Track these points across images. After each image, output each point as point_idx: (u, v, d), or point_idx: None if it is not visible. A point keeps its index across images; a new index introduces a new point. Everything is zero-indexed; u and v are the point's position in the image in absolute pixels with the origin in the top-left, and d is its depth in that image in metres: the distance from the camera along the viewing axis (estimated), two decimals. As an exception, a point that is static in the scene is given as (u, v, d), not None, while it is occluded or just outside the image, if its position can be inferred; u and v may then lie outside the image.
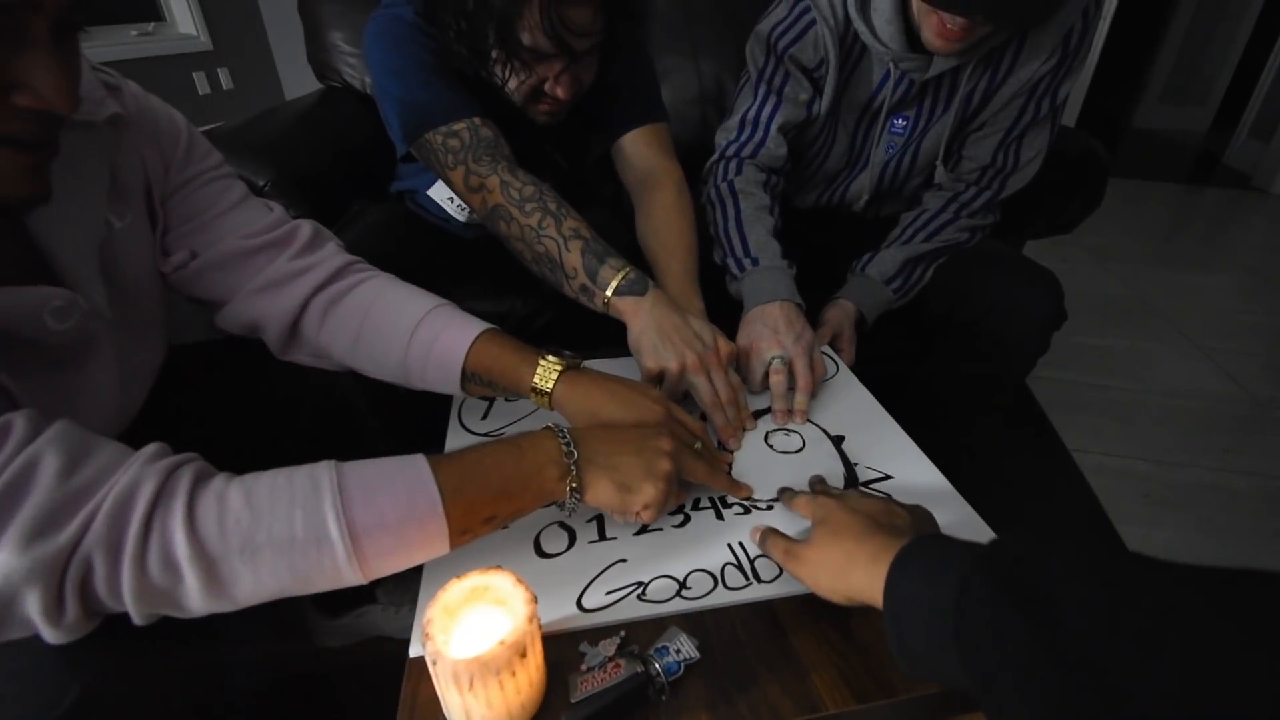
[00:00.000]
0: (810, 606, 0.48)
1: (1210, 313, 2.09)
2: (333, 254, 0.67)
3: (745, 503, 0.60)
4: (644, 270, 0.76)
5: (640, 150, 0.94)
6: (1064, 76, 0.89)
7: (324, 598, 0.86)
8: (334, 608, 0.86)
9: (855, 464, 0.65)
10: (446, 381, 0.62)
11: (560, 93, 0.82)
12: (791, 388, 0.74)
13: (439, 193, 1.00)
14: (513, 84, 0.82)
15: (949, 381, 1.00)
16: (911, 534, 0.44)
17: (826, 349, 0.88)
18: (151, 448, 0.41)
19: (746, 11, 1.22)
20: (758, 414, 0.73)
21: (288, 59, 3.40)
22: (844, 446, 0.68)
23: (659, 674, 0.43)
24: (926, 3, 0.76)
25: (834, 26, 0.87)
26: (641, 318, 0.70)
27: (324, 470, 0.42)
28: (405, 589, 0.88)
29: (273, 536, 0.39)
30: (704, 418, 0.69)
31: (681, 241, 0.85)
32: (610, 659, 0.44)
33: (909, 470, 0.64)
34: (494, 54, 0.79)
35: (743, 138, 0.96)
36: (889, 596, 0.39)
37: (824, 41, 0.88)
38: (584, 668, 0.44)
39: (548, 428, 0.52)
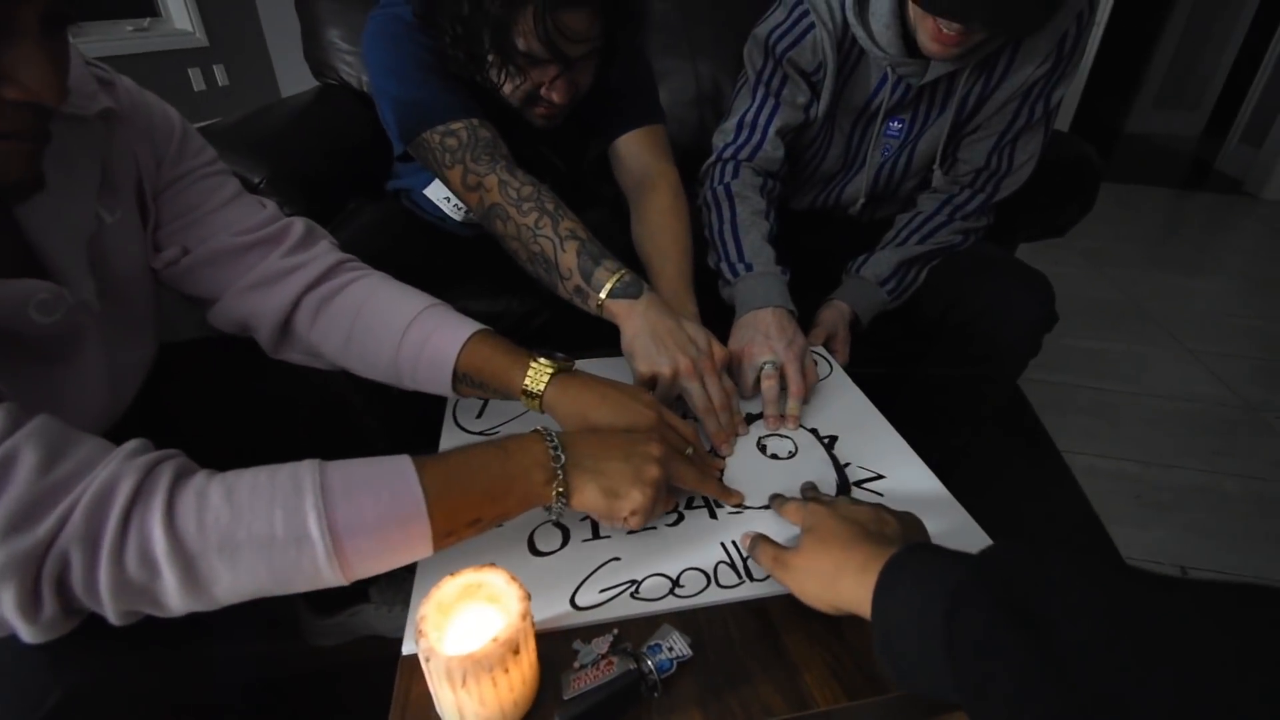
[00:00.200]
0: (802, 605, 0.48)
1: (1201, 316, 2.11)
2: (325, 252, 0.66)
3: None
4: (639, 273, 0.76)
5: (636, 152, 0.94)
6: (1058, 81, 0.90)
7: (317, 597, 0.86)
8: (327, 607, 0.86)
9: (847, 464, 0.66)
10: (437, 382, 0.62)
11: (556, 98, 0.82)
12: (784, 392, 0.74)
13: (435, 192, 1.00)
14: (508, 88, 0.82)
15: (941, 383, 1.00)
16: (900, 543, 0.44)
17: (821, 349, 0.88)
18: (132, 443, 0.41)
19: (744, 14, 1.23)
20: (750, 419, 0.72)
21: (284, 56, 3.38)
22: (837, 446, 0.68)
23: (651, 671, 0.43)
24: (923, 9, 0.76)
25: (832, 30, 0.88)
26: (635, 321, 0.70)
27: (306, 469, 0.42)
28: (398, 588, 0.88)
29: (252, 535, 0.39)
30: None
31: (676, 245, 0.85)
32: (603, 656, 0.44)
33: (901, 470, 0.65)
34: (490, 58, 0.79)
35: (740, 140, 0.96)
36: (877, 607, 0.39)
37: (822, 45, 0.89)
38: (577, 665, 0.44)
39: (536, 431, 0.51)
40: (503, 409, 0.72)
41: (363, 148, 1.17)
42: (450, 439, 0.69)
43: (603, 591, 0.50)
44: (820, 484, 0.61)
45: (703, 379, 0.68)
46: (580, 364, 0.64)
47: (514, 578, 0.41)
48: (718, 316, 0.82)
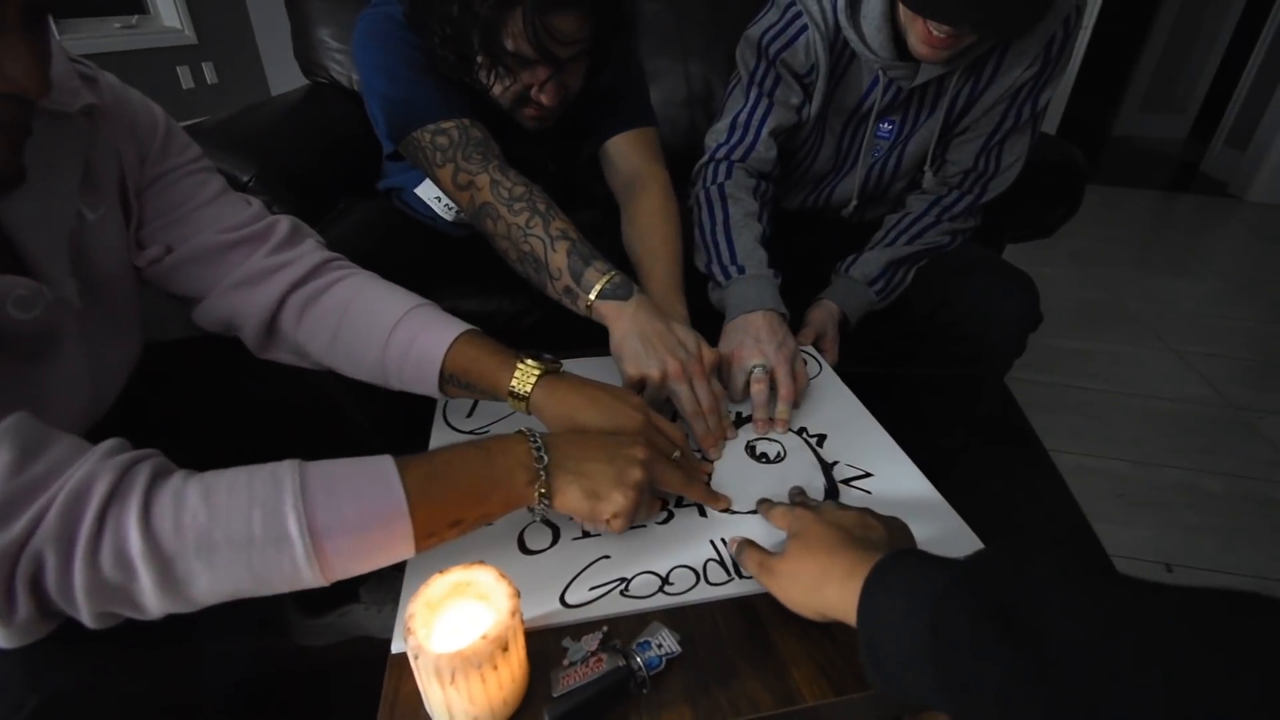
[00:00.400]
0: (790, 603, 0.49)
1: (1186, 317, 2.13)
2: (311, 250, 0.66)
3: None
4: (630, 275, 0.77)
5: (627, 154, 0.94)
6: (1045, 84, 0.91)
7: (305, 597, 0.85)
8: (315, 607, 0.85)
9: (835, 462, 0.66)
10: (424, 383, 0.61)
11: (546, 100, 0.82)
12: (774, 395, 0.73)
13: (426, 191, 1.00)
14: (498, 90, 0.82)
15: (929, 382, 1.01)
16: (886, 548, 0.44)
17: (810, 349, 0.89)
18: (109, 443, 0.40)
19: (736, 15, 1.23)
20: (739, 422, 0.72)
21: (273, 54, 3.37)
22: (825, 445, 0.69)
23: (640, 668, 0.43)
24: (914, 10, 0.76)
25: (825, 32, 0.88)
26: (624, 323, 0.70)
27: (286, 468, 0.42)
28: (388, 588, 0.87)
29: (230, 535, 0.38)
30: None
31: (666, 247, 0.85)
32: (592, 654, 0.44)
33: (889, 469, 0.65)
34: (479, 60, 0.79)
35: (733, 140, 0.96)
36: (862, 613, 0.39)
37: (815, 47, 0.89)
38: (566, 663, 0.44)
39: (519, 432, 0.51)
40: (493, 408, 0.72)
41: (353, 147, 1.17)
42: (440, 438, 0.69)
43: (592, 589, 0.50)
44: (808, 489, 0.61)
45: (691, 382, 0.67)
46: (569, 364, 0.64)
47: (503, 575, 0.41)
48: (708, 319, 0.82)
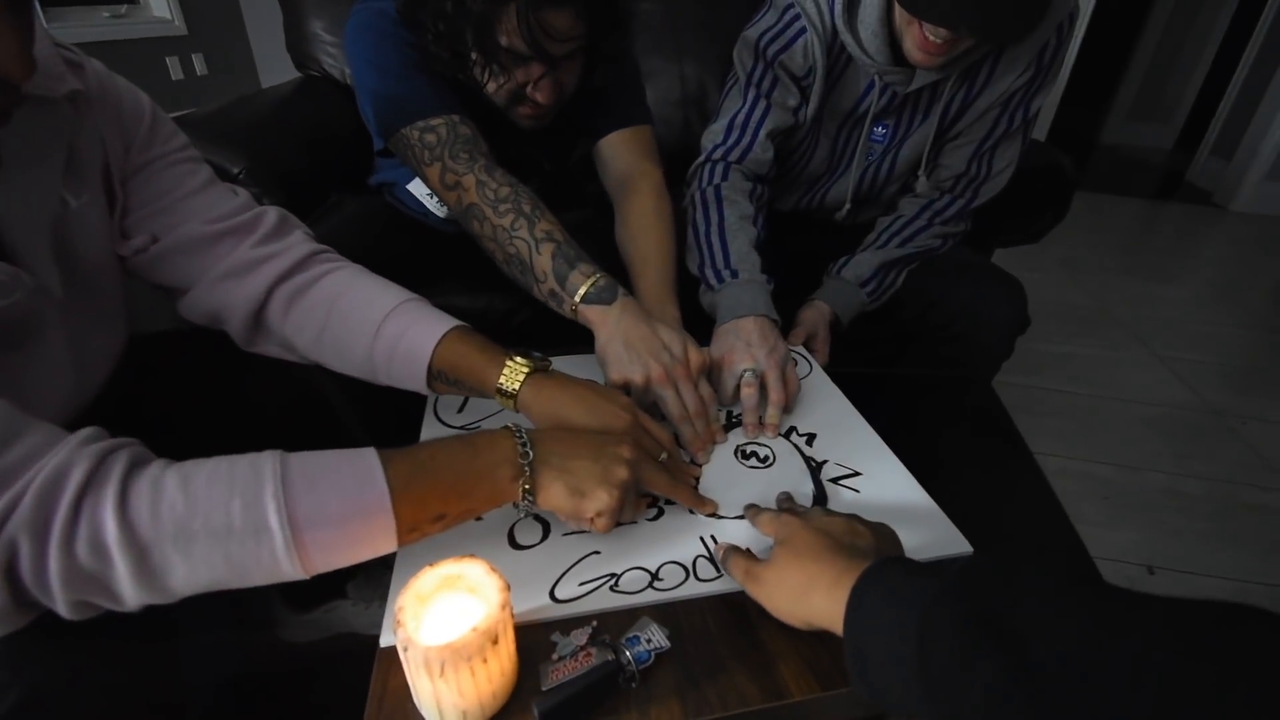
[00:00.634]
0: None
1: (1170, 323, 2.16)
2: (299, 242, 0.65)
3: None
4: (621, 276, 0.76)
5: (620, 153, 0.93)
6: (1037, 90, 0.92)
7: (292, 592, 0.85)
8: (302, 603, 0.85)
9: (825, 461, 0.67)
10: (412, 379, 0.61)
11: (541, 98, 0.82)
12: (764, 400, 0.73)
13: (418, 188, 0.99)
14: (492, 87, 0.81)
15: (917, 383, 1.02)
16: (873, 555, 0.44)
17: (800, 349, 0.89)
18: (86, 431, 0.39)
19: (731, 15, 1.24)
20: (728, 426, 0.72)
21: (264, 46, 3.34)
22: (815, 444, 0.69)
23: (630, 662, 0.43)
24: (912, 14, 0.76)
25: (823, 35, 0.88)
26: (608, 327, 0.69)
27: (268, 458, 0.41)
28: (375, 584, 0.87)
29: (208, 524, 0.38)
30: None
31: (659, 247, 0.84)
32: (582, 648, 0.44)
33: (878, 468, 0.66)
34: (473, 57, 0.78)
35: (730, 141, 0.96)
36: (849, 624, 0.38)
37: (813, 50, 0.89)
38: (555, 657, 0.44)
39: (506, 427, 0.51)
40: (484, 404, 0.72)
41: (345, 141, 1.16)
42: (431, 433, 0.69)
43: (582, 585, 0.51)
44: (796, 494, 0.61)
45: (676, 386, 0.66)
46: (559, 361, 0.64)
47: (494, 568, 0.41)
48: (702, 320, 0.82)
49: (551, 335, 0.84)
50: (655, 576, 0.52)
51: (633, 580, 0.51)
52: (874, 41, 0.85)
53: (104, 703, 0.52)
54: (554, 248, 0.72)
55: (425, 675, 0.37)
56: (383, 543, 0.43)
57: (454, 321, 0.62)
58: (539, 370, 0.61)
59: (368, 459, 0.43)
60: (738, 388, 0.73)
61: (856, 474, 0.65)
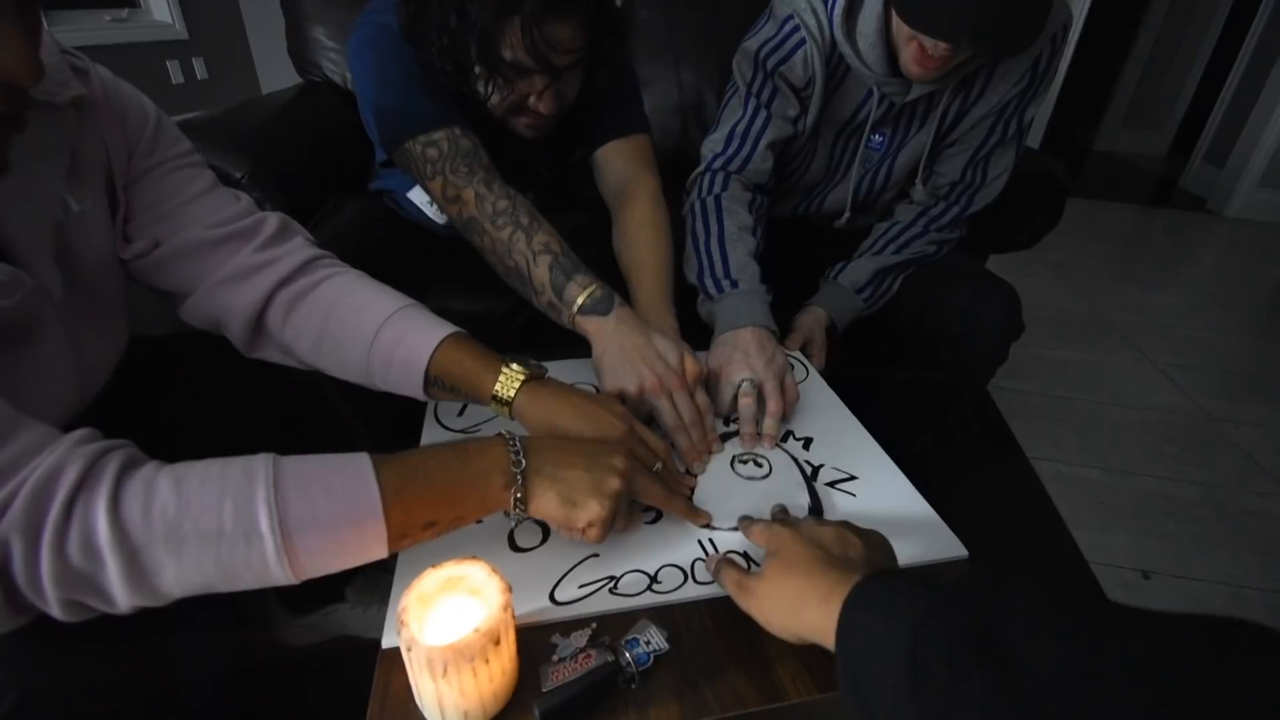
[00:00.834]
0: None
1: (1164, 329, 2.18)
2: (299, 247, 0.65)
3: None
4: (618, 281, 0.76)
5: (617, 162, 0.94)
6: (1031, 100, 0.93)
7: (290, 596, 0.85)
8: (301, 606, 0.85)
9: (821, 465, 0.67)
10: (408, 385, 0.61)
11: (543, 109, 0.82)
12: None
13: (418, 196, 1.00)
14: (495, 99, 0.82)
15: (913, 387, 1.03)
16: (865, 567, 0.43)
17: (797, 353, 0.90)
18: (80, 432, 0.39)
19: (729, 23, 1.25)
20: (726, 436, 0.71)
21: (265, 51, 3.34)
22: (812, 448, 0.70)
23: (629, 664, 0.44)
24: (913, 29, 0.77)
25: (822, 46, 0.89)
26: (604, 338, 0.69)
27: (260, 462, 0.41)
28: (374, 588, 0.87)
29: (199, 527, 0.38)
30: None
31: (655, 256, 0.84)
32: (581, 650, 0.45)
33: (874, 472, 0.66)
34: (476, 70, 0.79)
35: (730, 151, 0.96)
36: (841, 639, 0.38)
37: (812, 61, 0.89)
38: (555, 658, 0.44)
39: (499, 435, 0.50)
40: (484, 409, 0.72)
41: (345, 145, 1.17)
42: (431, 437, 0.69)
43: (581, 587, 0.51)
44: (791, 507, 0.60)
45: (671, 396, 0.66)
46: (558, 365, 0.64)
47: (495, 570, 0.42)
48: (700, 329, 0.82)
49: (550, 338, 0.85)
50: (654, 579, 0.52)
51: (632, 583, 0.52)
52: (872, 53, 0.85)
53: (103, 704, 0.53)
54: (551, 259, 0.73)
55: (428, 675, 0.38)
56: (374, 549, 0.43)
57: (451, 328, 0.62)
58: (535, 378, 0.60)
59: (360, 464, 0.43)
60: (735, 398, 0.73)
61: (853, 478, 0.65)
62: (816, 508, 0.61)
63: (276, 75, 3.36)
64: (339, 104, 1.29)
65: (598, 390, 0.73)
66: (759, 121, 0.95)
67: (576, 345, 0.81)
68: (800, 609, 0.41)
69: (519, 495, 0.48)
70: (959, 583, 0.37)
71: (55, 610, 0.37)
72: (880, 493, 0.64)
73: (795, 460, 0.68)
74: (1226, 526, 1.34)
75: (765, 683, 0.45)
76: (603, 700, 0.43)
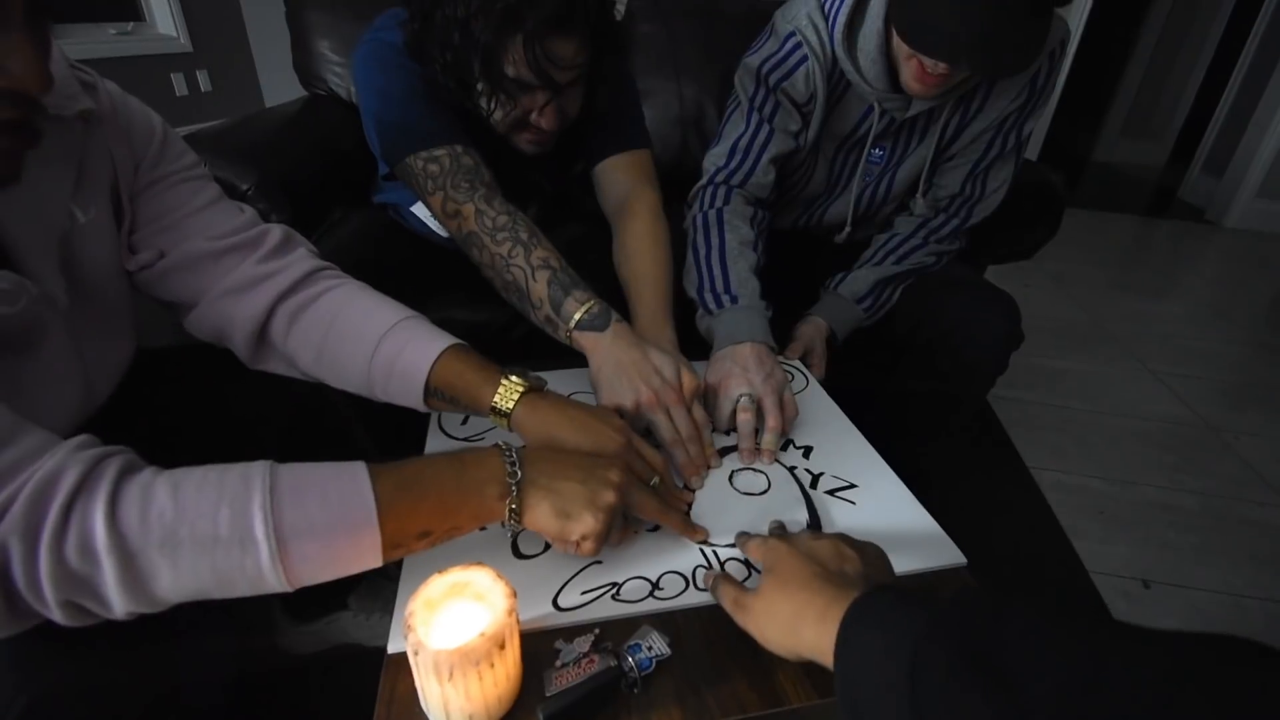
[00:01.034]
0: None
1: (1163, 339, 2.18)
2: (302, 259, 0.65)
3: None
4: (617, 300, 0.76)
5: (618, 177, 0.94)
6: (1029, 114, 0.94)
7: (296, 603, 0.86)
8: (305, 614, 0.86)
9: (821, 473, 0.68)
10: (408, 396, 0.61)
11: (545, 124, 0.83)
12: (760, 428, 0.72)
13: (422, 210, 1.00)
14: (498, 115, 0.83)
15: (913, 397, 1.03)
16: (862, 582, 0.43)
17: (797, 363, 0.91)
18: (80, 438, 0.40)
19: (730, 36, 1.26)
20: (725, 451, 0.71)
21: (268, 64, 3.38)
22: (812, 456, 0.71)
23: (632, 669, 0.44)
24: (913, 49, 0.78)
25: (823, 62, 0.89)
26: (601, 353, 0.70)
27: (258, 469, 0.41)
28: (376, 596, 0.88)
29: (195, 532, 0.38)
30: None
31: (654, 270, 0.84)
32: (584, 655, 0.45)
33: (873, 480, 0.67)
34: (479, 86, 0.80)
35: (732, 165, 0.96)
36: (839, 660, 0.37)
37: (814, 77, 0.90)
38: (559, 663, 0.45)
39: (496, 445, 0.51)
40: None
41: (350, 158, 1.18)
42: (435, 445, 0.70)
43: (584, 593, 0.52)
44: (789, 524, 0.59)
45: (669, 410, 0.66)
46: (558, 375, 0.64)
47: (500, 575, 0.43)
48: (700, 343, 0.83)
49: (551, 349, 0.85)
50: (656, 586, 0.53)
51: (634, 589, 0.52)
52: (873, 69, 0.86)
53: (109, 709, 0.53)
54: (549, 275, 0.73)
55: (434, 679, 0.38)
56: (368, 558, 0.43)
57: (451, 339, 0.62)
58: (533, 390, 0.61)
59: (357, 473, 0.43)
60: (734, 413, 0.72)
61: (852, 486, 0.66)
62: (815, 524, 0.61)
63: (279, 88, 3.40)
64: (344, 117, 1.30)
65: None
66: (761, 135, 0.95)
67: (577, 356, 0.81)
68: (798, 626, 0.41)
69: (514, 506, 0.48)
70: (957, 601, 0.36)
71: (55, 614, 0.38)
72: (879, 501, 0.64)
73: (794, 475, 0.68)
74: (1226, 536, 1.34)
75: (766, 688, 0.45)
76: (605, 704, 0.43)
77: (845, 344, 1.00)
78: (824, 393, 0.83)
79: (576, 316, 0.71)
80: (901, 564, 0.55)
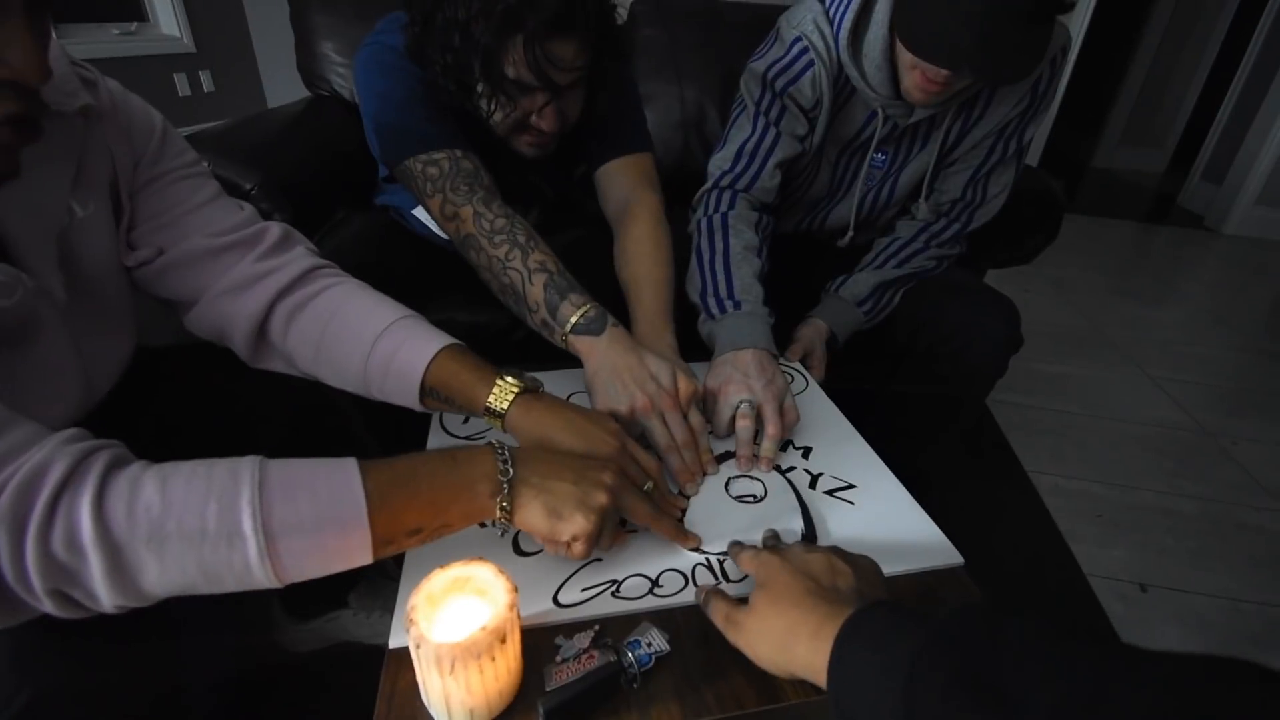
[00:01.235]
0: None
1: (1162, 345, 2.19)
2: (300, 257, 0.65)
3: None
4: (618, 304, 0.76)
5: (619, 181, 0.94)
6: (1030, 120, 0.95)
7: (294, 601, 0.86)
8: (305, 611, 0.86)
9: (820, 473, 0.68)
10: (404, 395, 0.61)
11: (545, 126, 0.83)
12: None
13: (423, 213, 1.01)
14: (498, 116, 0.83)
15: (912, 400, 1.04)
16: (855, 597, 0.43)
17: (797, 365, 0.91)
18: (69, 431, 0.40)
19: (731, 40, 1.27)
20: (722, 458, 0.70)
21: (271, 65, 3.39)
22: (811, 457, 0.71)
23: (631, 665, 0.45)
24: (915, 55, 0.78)
25: (829, 67, 0.90)
26: (596, 358, 0.69)
27: (247, 464, 0.41)
28: (377, 594, 0.88)
29: (182, 527, 0.38)
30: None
31: (655, 274, 0.84)
32: (584, 651, 0.45)
33: (872, 481, 0.67)
34: (479, 88, 0.80)
35: (738, 169, 0.96)
36: (833, 680, 0.37)
37: (821, 83, 0.91)
38: (559, 659, 0.45)
39: (489, 444, 0.50)
40: (489, 416, 0.73)
41: (353, 159, 1.18)
42: (437, 443, 0.70)
43: (584, 590, 0.52)
44: (784, 533, 0.59)
45: (664, 416, 0.66)
46: (556, 376, 0.64)
47: (501, 570, 0.43)
48: (700, 347, 0.83)
49: (551, 351, 0.85)
50: (655, 583, 0.53)
51: (634, 586, 0.53)
52: (878, 75, 0.87)
53: (110, 706, 0.53)
54: (546, 278, 0.73)
55: (436, 672, 0.39)
56: (358, 554, 0.43)
57: (448, 339, 0.62)
58: (529, 391, 0.60)
59: (347, 469, 0.43)
60: (733, 419, 0.72)
61: (851, 486, 0.66)
62: (810, 534, 0.60)
63: (281, 88, 3.41)
64: (347, 119, 1.31)
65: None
66: (768, 139, 0.95)
67: (575, 359, 0.82)
68: (790, 644, 0.41)
69: (505, 504, 0.48)
70: (953, 618, 0.36)
71: (45, 604, 0.37)
72: (878, 501, 0.65)
73: (791, 484, 0.67)
74: (1224, 540, 1.35)
75: (764, 684, 0.45)
76: (605, 700, 0.44)
77: (845, 346, 1.00)
78: (823, 394, 0.84)
79: (572, 320, 0.71)
80: (899, 564, 0.55)
